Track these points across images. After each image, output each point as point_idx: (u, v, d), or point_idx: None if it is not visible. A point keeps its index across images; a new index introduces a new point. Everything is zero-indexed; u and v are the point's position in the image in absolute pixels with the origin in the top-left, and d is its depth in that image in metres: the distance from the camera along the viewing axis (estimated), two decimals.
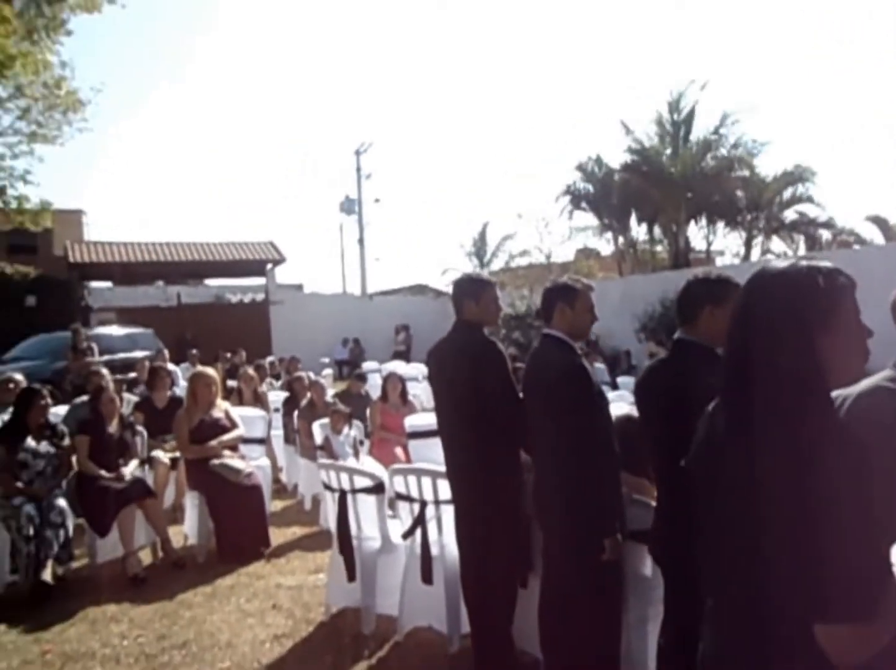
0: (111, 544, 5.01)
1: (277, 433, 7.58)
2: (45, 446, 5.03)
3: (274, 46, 71.49)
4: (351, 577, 3.94)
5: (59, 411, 6.46)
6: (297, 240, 63.06)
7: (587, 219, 26.68)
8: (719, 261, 25.62)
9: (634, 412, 3.13)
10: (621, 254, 26.67)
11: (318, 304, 23.93)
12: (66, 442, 5.18)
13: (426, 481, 3.68)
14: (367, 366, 14.79)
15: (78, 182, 54.83)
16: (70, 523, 4.88)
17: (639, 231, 26.38)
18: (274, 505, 6.31)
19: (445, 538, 3.67)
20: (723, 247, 27.22)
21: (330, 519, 4.36)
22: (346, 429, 6.29)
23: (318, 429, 6.51)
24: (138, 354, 12.77)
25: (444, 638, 3.68)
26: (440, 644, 3.69)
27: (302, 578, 4.85)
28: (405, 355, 20.38)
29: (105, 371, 7.08)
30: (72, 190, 59.28)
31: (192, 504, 5.61)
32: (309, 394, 7.35)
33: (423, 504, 3.72)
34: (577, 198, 25.80)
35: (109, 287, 24.44)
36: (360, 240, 30.09)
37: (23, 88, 13.67)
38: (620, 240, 26.53)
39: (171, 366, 10.06)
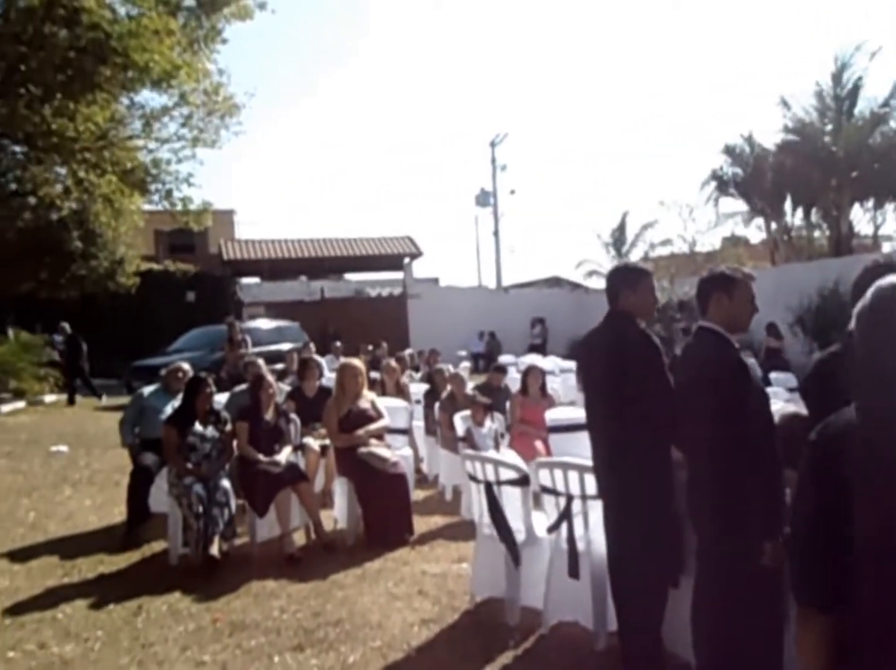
0: (269, 524, 5.31)
1: (418, 424, 7.74)
2: (210, 431, 5.41)
3: (409, 41, 73.20)
4: (517, 562, 3.96)
5: (219, 399, 6.91)
6: (433, 234, 64.22)
7: (735, 204, 25.22)
8: (887, 247, 23.52)
9: (801, 410, 2.95)
10: (774, 241, 25.02)
11: (454, 297, 24.26)
12: (229, 427, 5.55)
13: (573, 475, 3.64)
14: (504, 359, 14.83)
15: (227, 181, 58.40)
16: (233, 503, 5.22)
17: (794, 216, 24.67)
18: (416, 495, 6.44)
19: (592, 533, 3.62)
20: (892, 230, 25.06)
21: (473, 509, 4.41)
22: (487, 422, 6.33)
23: (460, 422, 6.59)
24: (285, 346, 13.41)
25: (590, 635, 3.64)
26: (586, 640, 3.64)
27: (446, 566, 4.94)
28: (541, 348, 20.28)
29: (261, 361, 7.52)
30: (222, 189, 63.47)
31: (340, 490, 5.85)
32: (449, 387, 7.46)
33: (570, 498, 3.68)
34: (724, 184, 24.47)
35: (258, 282, 25.94)
36: (495, 233, 30.13)
37: (186, 96, 14.74)
38: (773, 226, 24.88)
39: (317, 358, 10.53)
